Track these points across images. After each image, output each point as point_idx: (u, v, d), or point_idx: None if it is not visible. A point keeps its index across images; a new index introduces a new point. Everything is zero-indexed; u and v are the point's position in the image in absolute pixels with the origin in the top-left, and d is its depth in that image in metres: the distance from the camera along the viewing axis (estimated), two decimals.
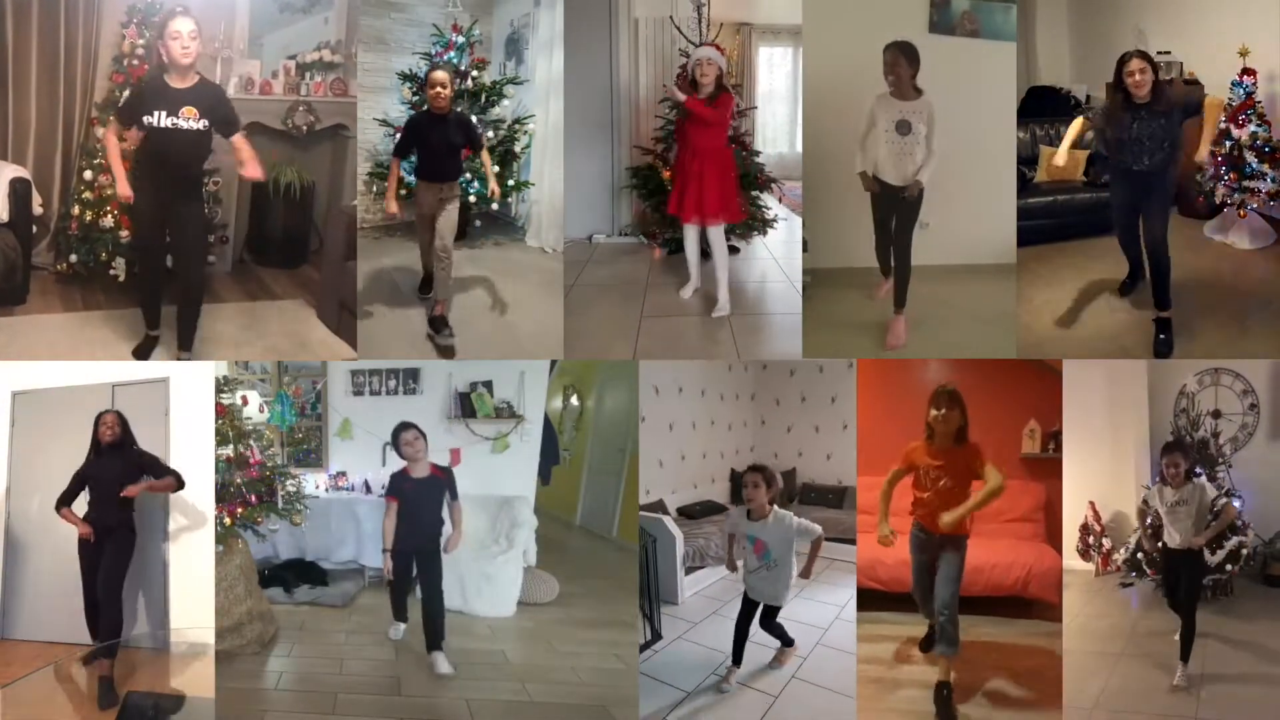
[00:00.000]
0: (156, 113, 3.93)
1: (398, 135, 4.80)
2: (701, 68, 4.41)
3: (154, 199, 4.09)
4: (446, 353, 4.34)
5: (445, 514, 4.26)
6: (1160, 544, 4.11)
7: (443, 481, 4.22)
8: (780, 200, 5.43)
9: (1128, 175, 4.08)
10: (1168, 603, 4.02)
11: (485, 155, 4.62)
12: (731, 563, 4.00)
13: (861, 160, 4.18)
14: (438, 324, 4.40)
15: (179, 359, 4.31)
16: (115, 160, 4.05)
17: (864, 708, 3.66)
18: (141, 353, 4.32)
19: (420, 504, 4.19)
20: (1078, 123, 4.16)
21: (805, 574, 3.84)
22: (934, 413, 3.53)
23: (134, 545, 4.27)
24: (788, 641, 3.98)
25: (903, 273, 4.21)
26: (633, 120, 5.65)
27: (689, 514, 5.62)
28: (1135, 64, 3.86)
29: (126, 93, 4.49)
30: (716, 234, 4.59)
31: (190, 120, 3.95)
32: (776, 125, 4.70)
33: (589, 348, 4.40)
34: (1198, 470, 4.42)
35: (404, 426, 4.19)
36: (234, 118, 4.09)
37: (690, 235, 4.67)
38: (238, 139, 4.08)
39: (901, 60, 3.97)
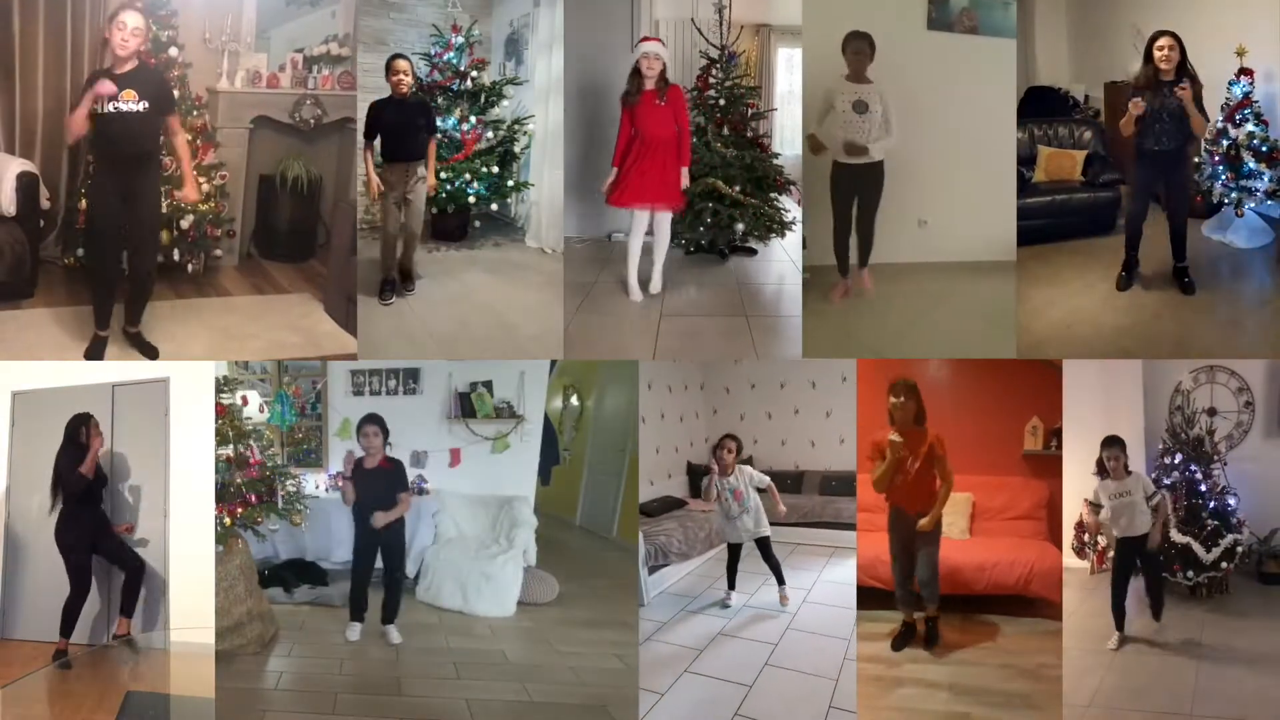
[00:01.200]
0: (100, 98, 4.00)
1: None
2: (648, 61, 4.52)
3: (111, 186, 4.13)
4: (409, 293, 4.78)
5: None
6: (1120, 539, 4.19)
7: (390, 473, 4.44)
8: (799, 203, 5.41)
9: (1151, 158, 4.35)
10: (1113, 597, 4.15)
11: (431, 144, 4.81)
12: (709, 498, 4.82)
13: (813, 126, 4.42)
14: (405, 276, 4.80)
15: (126, 332, 4.32)
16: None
17: (864, 705, 3.66)
18: (93, 353, 4.29)
19: (370, 491, 4.40)
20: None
21: (777, 514, 4.73)
22: (892, 400, 3.98)
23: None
24: (781, 579, 4.67)
25: (866, 242, 4.56)
26: None
27: (647, 511, 5.55)
28: (1165, 40, 4.23)
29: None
30: (664, 220, 4.73)
31: (129, 103, 4.03)
32: (794, 126, 4.70)
33: (610, 344, 4.43)
34: (1195, 469, 4.51)
35: (367, 420, 4.43)
36: (169, 99, 4.22)
37: (641, 223, 4.70)
38: (173, 122, 4.24)
39: (865, 47, 4.34)
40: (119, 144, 4.07)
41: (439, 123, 5.17)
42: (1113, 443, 4.15)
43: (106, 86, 3.99)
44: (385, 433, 4.42)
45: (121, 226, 4.19)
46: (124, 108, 4.03)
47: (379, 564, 4.50)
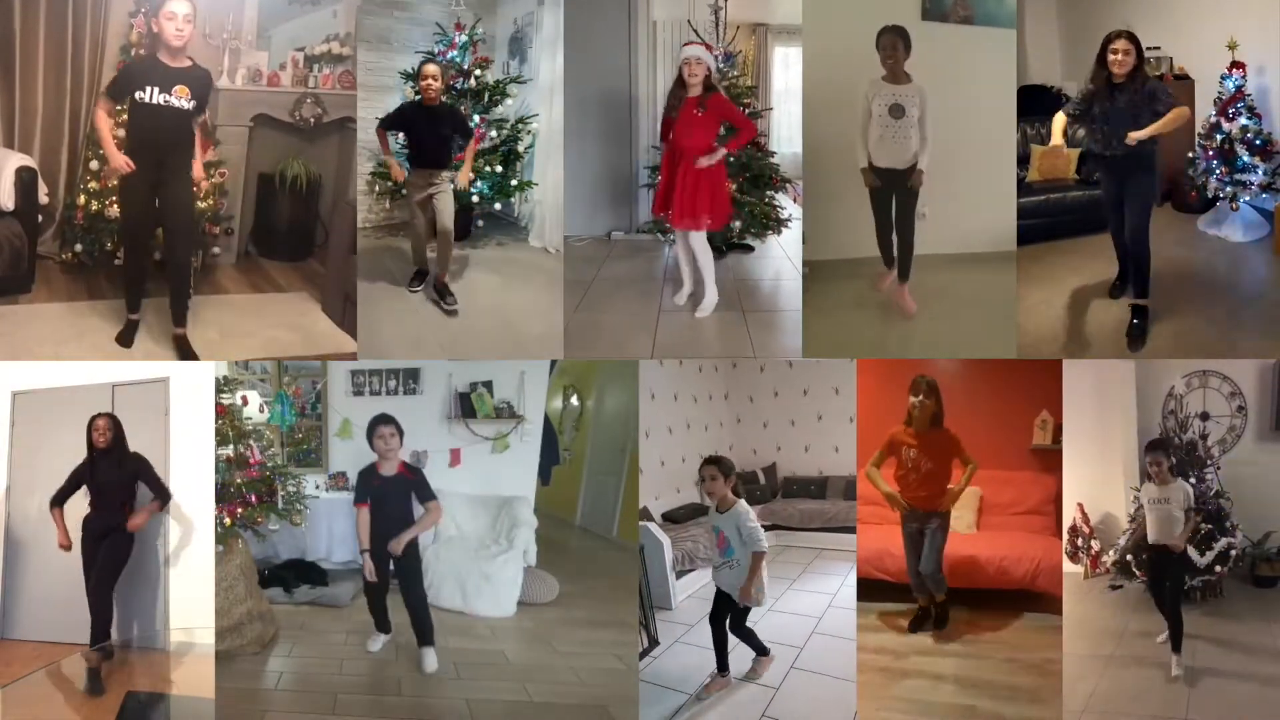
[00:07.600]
0: (149, 88, 4.01)
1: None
2: (690, 67, 4.30)
3: (143, 178, 4.12)
4: (451, 315, 4.65)
5: (417, 514, 4.08)
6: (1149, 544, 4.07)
7: (410, 481, 4.07)
8: (795, 200, 5.42)
9: (1110, 163, 4.13)
10: (1154, 602, 4.05)
11: (471, 145, 4.78)
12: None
13: (863, 155, 4.30)
14: (442, 291, 4.69)
15: (174, 335, 4.33)
16: (107, 137, 4.10)
17: (868, 695, 3.66)
18: (125, 338, 4.31)
19: (386, 504, 4.03)
20: (1059, 118, 4.28)
21: (744, 595, 3.59)
22: (912, 399, 4.03)
23: (130, 549, 4.27)
24: (762, 651, 3.79)
25: (906, 252, 4.36)
26: (651, 119, 5.64)
27: (674, 518, 5.59)
28: (1120, 44, 3.98)
29: (117, 71, 4.51)
30: (699, 239, 4.56)
31: (182, 100, 4.05)
32: (791, 124, 4.66)
33: (609, 342, 4.42)
34: (1189, 474, 4.44)
35: (383, 420, 4.02)
36: (206, 101, 4.24)
37: (682, 240, 4.62)
38: (203, 122, 4.24)
39: (899, 44, 4.14)
40: (159, 135, 4.06)
41: None
42: (1155, 447, 4.00)
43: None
44: (401, 433, 4.02)
45: (151, 216, 4.19)
46: (175, 103, 4.03)
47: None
